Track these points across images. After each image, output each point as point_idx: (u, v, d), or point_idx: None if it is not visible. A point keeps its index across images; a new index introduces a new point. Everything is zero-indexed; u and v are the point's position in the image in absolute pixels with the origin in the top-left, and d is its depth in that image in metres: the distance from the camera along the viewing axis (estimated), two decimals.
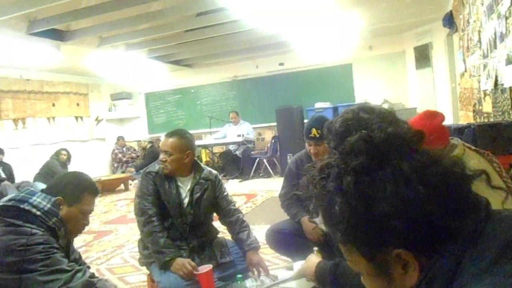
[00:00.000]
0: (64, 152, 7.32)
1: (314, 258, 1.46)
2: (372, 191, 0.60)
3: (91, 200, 1.74)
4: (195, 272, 2.12)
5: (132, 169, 8.79)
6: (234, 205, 2.60)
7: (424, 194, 0.58)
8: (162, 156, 2.38)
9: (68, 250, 1.76)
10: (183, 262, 2.19)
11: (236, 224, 2.52)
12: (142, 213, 2.34)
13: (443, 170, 0.61)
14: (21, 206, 1.55)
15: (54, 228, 1.59)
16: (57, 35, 5.72)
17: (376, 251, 0.62)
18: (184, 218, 2.41)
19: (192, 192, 2.45)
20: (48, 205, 1.59)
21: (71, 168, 7.87)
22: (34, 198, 1.59)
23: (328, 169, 0.65)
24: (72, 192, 1.67)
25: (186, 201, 2.43)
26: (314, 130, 2.53)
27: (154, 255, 2.27)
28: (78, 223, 1.71)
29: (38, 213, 1.55)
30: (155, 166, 2.46)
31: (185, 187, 2.45)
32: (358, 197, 0.60)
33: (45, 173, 6.80)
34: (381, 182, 0.60)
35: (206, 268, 2.13)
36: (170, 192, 2.39)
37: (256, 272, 2.36)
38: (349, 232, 0.62)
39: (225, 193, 2.58)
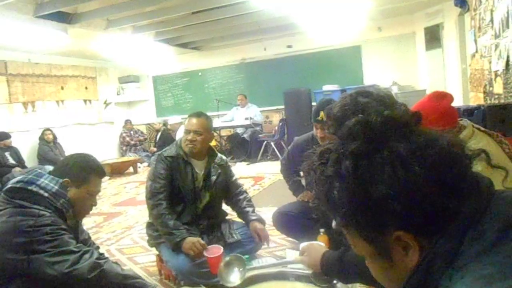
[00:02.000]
0: (48, 132, 7.41)
1: (317, 248, 1.39)
2: (370, 174, 0.60)
3: (98, 181, 1.75)
4: (205, 255, 2.14)
5: (154, 149, 8.79)
6: (242, 188, 2.71)
7: (421, 175, 0.58)
8: (191, 136, 2.40)
9: (76, 231, 1.78)
10: (193, 241, 2.21)
11: (244, 201, 2.63)
12: (152, 196, 2.37)
13: (439, 151, 0.60)
14: (29, 187, 1.56)
15: (62, 209, 1.61)
16: (64, 18, 5.70)
17: (376, 233, 0.62)
18: (197, 202, 2.45)
19: (207, 176, 2.49)
20: (56, 187, 1.61)
21: (78, 151, 7.96)
22: (42, 180, 1.61)
23: (327, 154, 0.66)
24: (79, 174, 1.69)
25: (200, 184, 2.47)
26: (322, 113, 2.53)
27: (165, 237, 2.31)
28: (86, 204, 1.73)
29: (46, 194, 1.57)
30: (172, 150, 2.47)
31: (199, 171, 2.49)
32: (356, 181, 0.60)
33: (42, 162, 6.88)
34: (378, 165, 0.60)
35: (216, 249, 2.14)
36: (185, 177, 2.42)
37: (257, 238, 2.46)
38: (348, 216, 0.63)
39: (234, 178, 2.69)
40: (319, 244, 1.48)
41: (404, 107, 0.69)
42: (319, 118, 2.54)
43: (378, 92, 0.75)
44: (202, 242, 2.23)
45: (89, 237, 1.96)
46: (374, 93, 0.75)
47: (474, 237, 0.57)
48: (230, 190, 2.63)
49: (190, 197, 2.43)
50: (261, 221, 2.54)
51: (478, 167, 0.66)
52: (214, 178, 2.50)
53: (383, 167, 0.59)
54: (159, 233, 2.41)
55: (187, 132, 2.43)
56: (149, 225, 2.52)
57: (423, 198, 0.58)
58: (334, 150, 0.65)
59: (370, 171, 0.60)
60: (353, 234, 0.66)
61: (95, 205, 1.78)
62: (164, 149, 2.53)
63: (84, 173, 1.70)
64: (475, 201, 0.59)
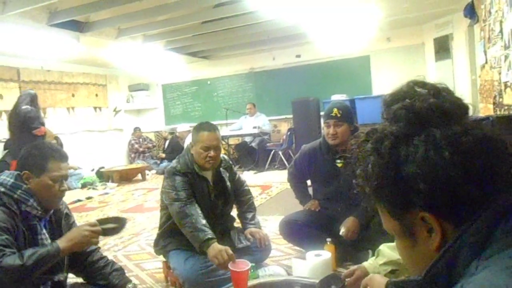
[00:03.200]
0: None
1: (379, 280, 1.31)
2: (405, 153, 0.64)
3: (58, 165, 1.74)
4: (230, 268, 1.95)
5: (163, 155, 8.96)
6: (246, 186, 2.75)
7: (449, 159, 0.61)
8: (213, 153, 2.35)
9: (60, 226, 1.81)
10: (220, 249, 2.08)
11: (246, 204, 2.64)
12: (180, 200, 2.31)
13: (473, 140, 0.62)
14: None
15: (20, 201, 1.64)
16: (76, 26, 5.81)
17: (402, 211, 0.66)
18: (212, 211, 2.46)
19: (218, 183, 2.50)
20: (12, 180, 1.66)
21: (88, 157, 8.06)
22: (1, 177, 1.68)
23: (372, 134, 0.71)
24: (36, 163, 1.71)
25: (214, 194, 2.48)
26: (335, 110, 2.56)
27: (194, 233, 2.21)
28: (52, 191, 1.72)
29: (3, 189, 1.63)
30: (183, 166, 2.42)
31: (210, 180, 2.49)
32: (391, 158, 0.65)
33: None
34: (414, 147, 0.63)
35: (243, 264, 1.93)
36: (202, 191, 2.42)
37: (258, 242, 2.45)
38: (378, 189, 0.67)
39: (238, 175, 2.71)
40: (380, 276, 1.37)
41: (454, 99, 0.72)
42: (333, 114, 2.55)
43: (432, 84, 0.77)
44: (230, 252, 2.06)
45: None
46: (429, 84, 0.77)
47: (504, 231, 0.58)
48: (237, 188, 2.66)
49: (207, 208, 2.42)
50: (258, 227, 2.56)
51: None
52: (223, 184, 2.52)
53: (417, 149, 0.63)
54: (170, 242, 2.42)
55: (207, 148, 2.34)
56: (162, 235, 2.50)
57: (448, 181, 0.60)
58: (379, 131, 0.69)
59: (405, 151, 0.64)
60: (383, 210, 0.71)
61: (65, 189, 1.77)
62: (173, 165, 2.46)
63: (41, 161, 1.71)
64: (510, 195, 0.61)
